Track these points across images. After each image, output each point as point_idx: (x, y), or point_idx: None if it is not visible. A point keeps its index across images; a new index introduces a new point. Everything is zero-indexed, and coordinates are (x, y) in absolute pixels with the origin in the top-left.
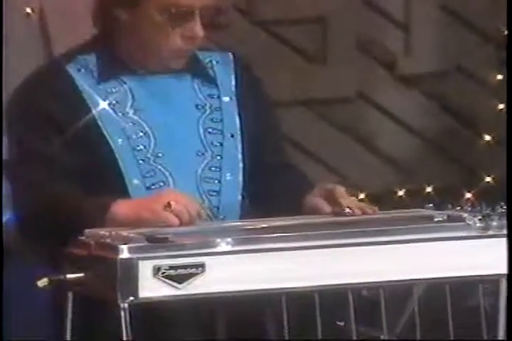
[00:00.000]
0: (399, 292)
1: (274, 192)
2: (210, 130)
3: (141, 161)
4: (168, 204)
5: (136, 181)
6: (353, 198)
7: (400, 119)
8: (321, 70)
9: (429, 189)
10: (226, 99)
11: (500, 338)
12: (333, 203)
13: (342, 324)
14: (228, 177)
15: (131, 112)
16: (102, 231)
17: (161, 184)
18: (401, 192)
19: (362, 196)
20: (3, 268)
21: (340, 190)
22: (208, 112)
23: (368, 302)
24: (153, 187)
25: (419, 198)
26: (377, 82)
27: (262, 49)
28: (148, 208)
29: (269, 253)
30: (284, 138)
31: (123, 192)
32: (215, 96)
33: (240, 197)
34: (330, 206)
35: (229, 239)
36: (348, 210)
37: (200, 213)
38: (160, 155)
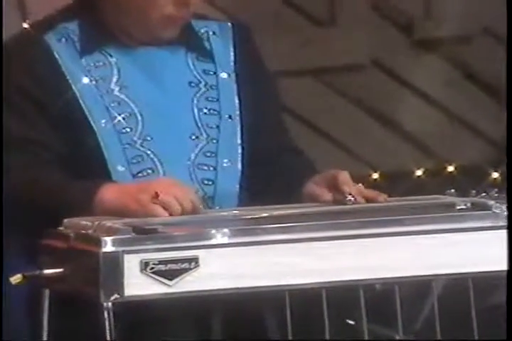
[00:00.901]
0: (416, 288)
1: (274, 180)
2: (205, 110)
3: (126, 145)
4: (156, 195)
5: (120, 168)
6: (359, 185)
7: (418, 89)
8: (330, 35)
9: (450, 168)
10: (224, 75)
11: None
12: (335, 190)
13: (352, 322)
14: (225, 164)
15: (116, 89)
16: (83, 221)
17: (149, 171)
18: (419, 172)
19: (376, 176)
20: (3, 268)
21: (344, 176)
22: (202, 90)
23: (382, 299)
24: (140, 174)
25: (440, 178)
26: (394, 47)
27: (263, 11)
28: (135, 198)
29: (271, 245)
30: (287, 113)
31: (106, 179)
32: (212, 72)
33: (237, 187)
34: (331, 194)
35: (225, 230)
36: (349, 198)
37: (196, 206)
38: (148, 138)
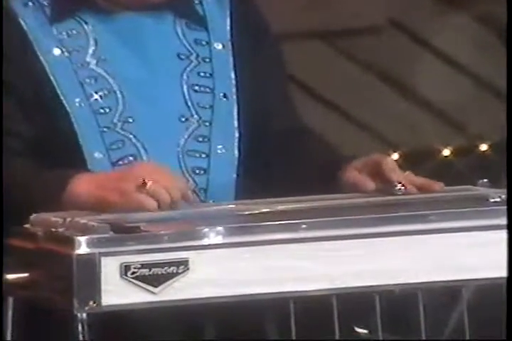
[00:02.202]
0: (443, 295)
1: (284, 168)
2: (196, 88)
3: (105, 129)
4: (143, 183)
5: (98, 154)
6: (407, 172)
7: (444, 53)
8: None
9: (483, 147)
10: (218, 46)
11: None
12: (380, 179)
13: (366, 332)
14: (220, 151)
15: (92, 63)
16: (53, 218)
17: (131, 158)
18: (446, 151)
19: (395, 156)
20: (3, 269)
21: (389, 162)
22: (193, 64)
23: (402, 307)
24: (120, 162)
25: (471, 159)
26: (415, 5)
27: None
28: (116, 188)
29: (273, 246)
30: (291, 82)
31: (81, 168)
32: (204, 43)
33: (234, 177)
34: (373, 182)
35: (220, 228)
36: (399, 187)
37: (186, 194)
38: (130, 120)
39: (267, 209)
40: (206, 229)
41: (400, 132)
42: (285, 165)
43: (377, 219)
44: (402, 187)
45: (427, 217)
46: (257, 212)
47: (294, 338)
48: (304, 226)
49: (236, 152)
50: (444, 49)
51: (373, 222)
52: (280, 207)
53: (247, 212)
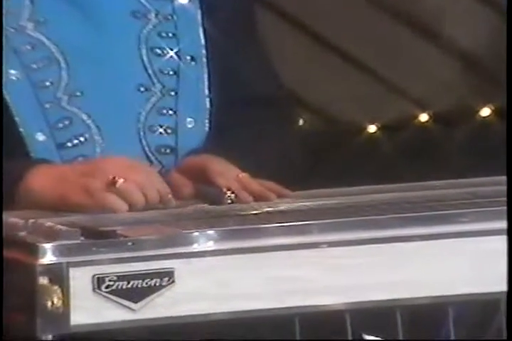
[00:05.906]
0: (476, 310)
1: (263, 148)
2: (157, 51)
3: (47, 105)
4: (113, 182)
5: (40, 136)
6: (244, 175)
7: None
8: None
9: None
10: None
11: None
12: (208, 184)
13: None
14: (189, 125)
15: (29, 26)
16: (12, 218)
17: (81, 139)
18: (486, 111)
19: (424, 118)
20: (3, 268)
21: (217, 164)
22: (153, 22)
23: (427, 325)
24: (68, 144)
25: None
26: None
27: None
28: (81, 185)
29: (276, 253)
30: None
31: (21, 153)
32: None
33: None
34: (192, 187)
35: (211, 232)
36: (228, 194)
37: (164, 196)
38: (78, 94)
39: (268, 209)
40: (196, 233)
41: (429, 88)
42: (264, 144)
43: (401, 219)
44: (232, 195)
45: (460, 216)
46: (256, 211)
47: None
48: (314, 228)
49: (207, 126)
50: None
51: (396, 223)
52: (283, 206)
53: (243, 212)
